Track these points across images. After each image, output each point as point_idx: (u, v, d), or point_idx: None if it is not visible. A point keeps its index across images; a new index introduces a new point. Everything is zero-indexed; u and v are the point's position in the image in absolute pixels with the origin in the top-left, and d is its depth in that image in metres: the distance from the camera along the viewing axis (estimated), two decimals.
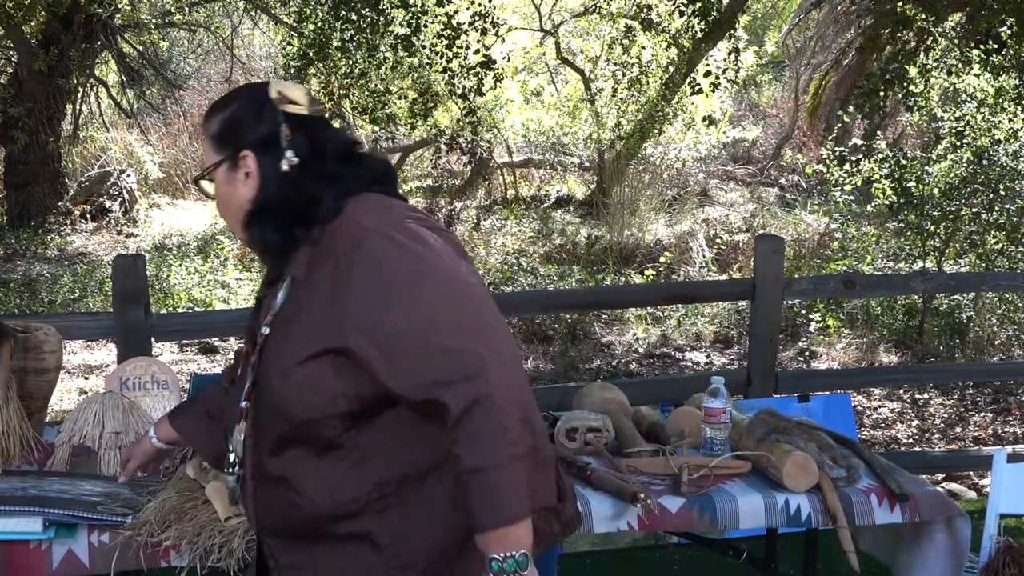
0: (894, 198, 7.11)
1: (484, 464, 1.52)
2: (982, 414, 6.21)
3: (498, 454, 1.52)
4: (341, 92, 9.01)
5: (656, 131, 11.62)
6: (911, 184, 7.05)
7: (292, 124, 1.71)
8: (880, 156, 7.21)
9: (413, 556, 1.66)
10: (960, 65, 7.16)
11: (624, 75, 11.50)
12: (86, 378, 6.84)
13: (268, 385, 1.69)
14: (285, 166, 1.68)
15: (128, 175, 11.92)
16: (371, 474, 1.65)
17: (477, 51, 8.38)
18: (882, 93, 6.48)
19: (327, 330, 1.61)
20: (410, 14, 7.97)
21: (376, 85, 9.30)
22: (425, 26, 8.31)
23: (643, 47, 11.36)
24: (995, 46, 7.24)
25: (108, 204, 11.52)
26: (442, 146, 12.76)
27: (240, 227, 1.76)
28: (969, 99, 7.22)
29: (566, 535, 1.86)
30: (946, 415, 6.22)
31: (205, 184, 1.78)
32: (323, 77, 8.87)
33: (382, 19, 8.05)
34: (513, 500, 1.53)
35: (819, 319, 7.58)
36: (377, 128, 10.08)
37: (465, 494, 1.55)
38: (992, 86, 7.05)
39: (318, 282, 1.64)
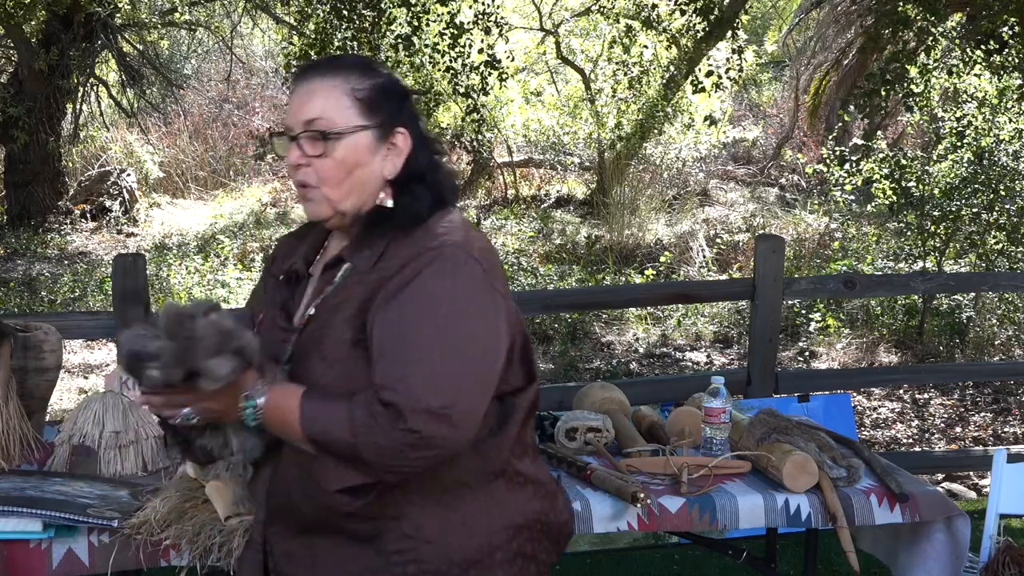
0: (894, 198, 7.11)
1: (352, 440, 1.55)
2: (982, 414, 6.21)
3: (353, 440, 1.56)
4: None
5: (656, 131, 11.62)
6: (911, 184, 7.05)
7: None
8: (880, 156, 7.21)
9: (424, 565, 1.65)
10: (961, 65, 7.15)
11: (624, 75, 11.50)
12: (86, 378, 6.84)
13: (308, 368, 1.67)
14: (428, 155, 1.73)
15: (128, 174, 11.93)
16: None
17: (481, 50, 8.38)
18: (883, 93, 6.47)
19: (371, 322, 1.61)
20: (411, 14, 7.97)
21: None
22: (427, 25, 8.30)
23: (644, 47, 11.36)
24: (996, 46, 7.24)
25: (108, 203, 11.52)
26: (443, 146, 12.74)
27: (354, 195, 1.69)
28: (969, 99, 7.22)
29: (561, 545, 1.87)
30: (946, 415, 6.22)
31: (309, 142, 1.66)
32: None
33: (383, 18, 8.04)
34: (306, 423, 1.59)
35: (819, 319, 7.58)
36: None
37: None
38: (996, 87, 7.05)
39: (379, 276, 1.63)
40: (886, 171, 7.12)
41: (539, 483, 1.81)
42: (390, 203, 1.70)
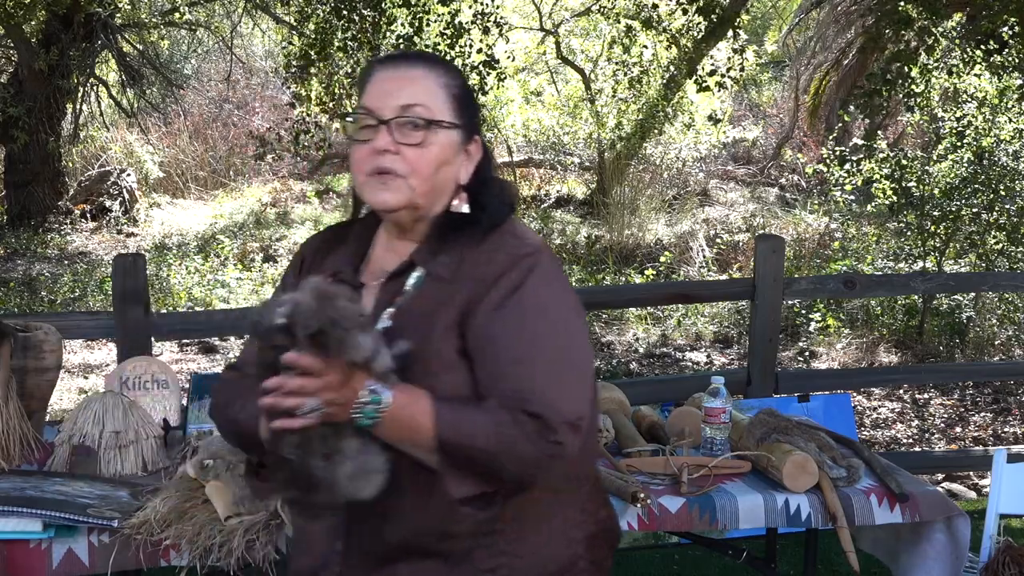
0: (894, 198, 7.11)
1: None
2: (982, 414, 6.21)
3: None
4: (343, 92, 9.00)
5: (657, 131, 11.61)
6: (911, 184, 7.05)
7: None
8: (881, 156, 7.21)
9: None
10: (961, 65, 7.16)
11: (625, 75, 11.50)
12: (86, 377, 6.84)
13: (405, 378, 1.55)
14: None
15: (128, 174, 11.93)
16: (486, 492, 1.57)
17: (480, 50, 8.37)
18: (885, 93, 6.47)
19: (469, 330, 1.56)
20: (412, 14, 7.97)
21: None
22: (427, 25, 8.30)
23: (644, 47, 11.36)
24: (996, 46, 7.24)
25: (108, 203, 11.52)
26: None
27: (434, 192, 1.62)
28: (969, 99, 7.22)
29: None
30: (946, 415, 6.22)
31: (403, 129, 1.57)
32: (324, 77, 8.87)
33: (384, 19, 8.05)
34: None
35: (819, 319, 7.58)
36: None
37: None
38: (996, 87, 7.05)
39: (474, 283, 1.57)
40: (887, 171, 7.13)
41: (602, 489, 1.80)
42: (465, 208, 1.64)
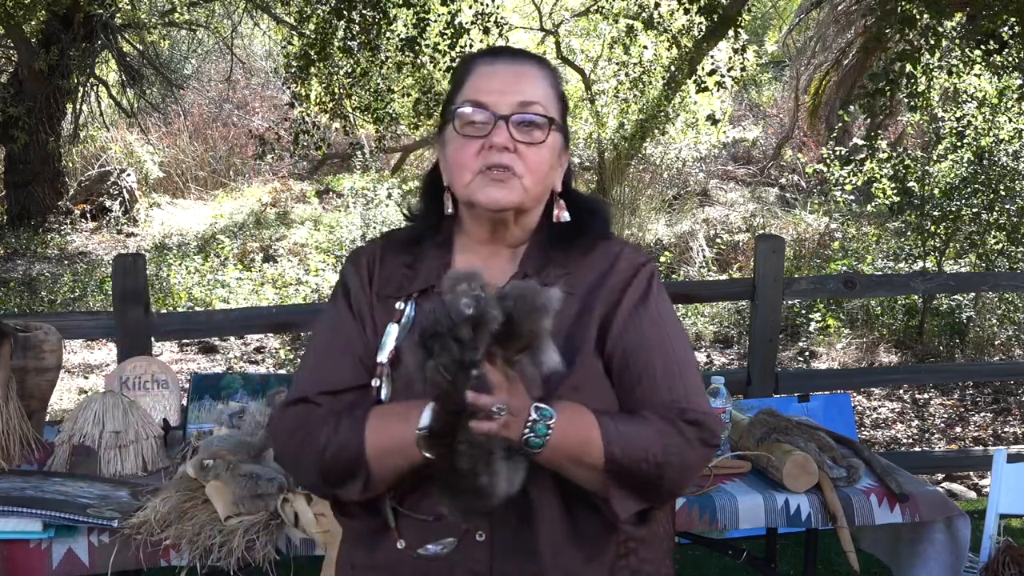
0: (895, 198, 7.11)
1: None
2: (982, 414, 6.21)
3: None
4: (343, 92, 9.01)
5: (658, 131, 11.61)
6: (912, 184, 7.06)
7: None
8: (883, 156, 7.21)
9: None
10: (961, 65, 7.16)
11: (626, 75, 11.50)
12: (86, 377, 6.84)
13: (556, 396, 1.45)
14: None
15: (128, 175, 11.93)
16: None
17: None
18: (888, 92, 6.47)
19: (609, 343, 1.51)
20: (412, 14, 7.97)
21: (378, 84, 9.30)
22: (428, 25, 8.30)
23: (644, 47, 11.36)
24: (996, 46, 7.24)
25: (108, 203, 11.53)
26: None
27: (541, 196, 1.55)
28: (969, 99, 7.22)
29: None
30: (946, 415, 6.22)
31: (523, 127, 1.49)
32: (325, 77, 8.87)
33: (384, 19, 8.04)
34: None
35: (819, 319, 7.58)
36: (380, 127, 10.08)
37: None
38: (996, 87, 7.05)
39: (607, 292, 1.52)
40: (888, 171, 7.13)
41: None
42: (565, 216, 1.57)
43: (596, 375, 1.49)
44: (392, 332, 1.52)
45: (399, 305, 1.54)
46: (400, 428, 1.41)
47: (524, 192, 1.49)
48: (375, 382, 1.50)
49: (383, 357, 1.51)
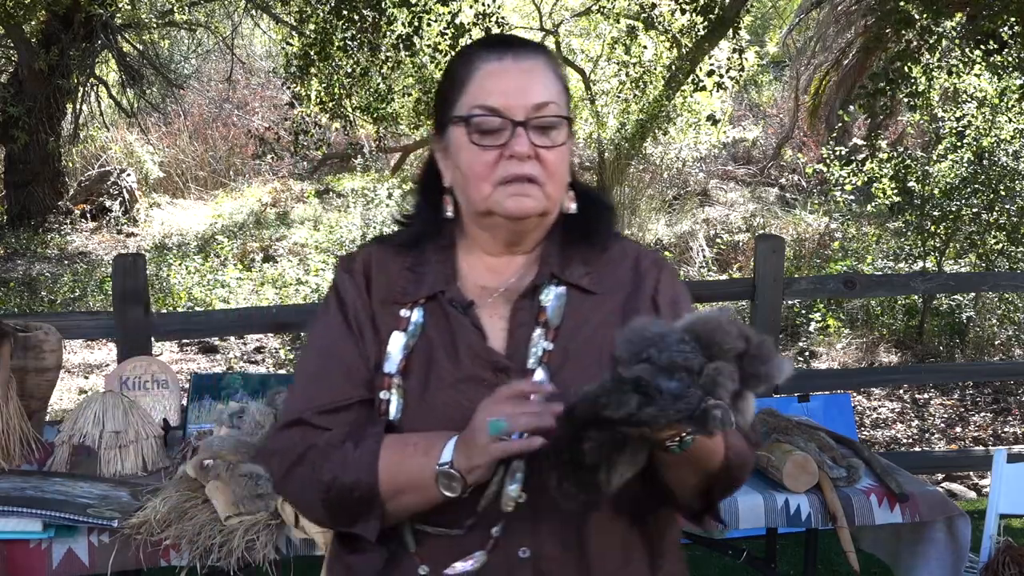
0: (895, 198, 7.11)
1: None
2: (982, 414, 6.21)
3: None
4: (343, 92, 9.01)
5: (659, 131, 11.62)
6: (912, 184, 7.06)
7: None
8: (884, 156, 7.21)
9: None
10: (961, 65, 7.16)
11: (627, 75, 11.50)
12: (86, 377, 6.84)
13: None
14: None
15: (128, 175, 11.93)
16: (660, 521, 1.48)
17: None
18: (888, 92, 6.48)
19: None
20: (412, 14, 7.97)
21: (378, 84, 9.30)
22: (428, 25, 8.30)
23: (644, 47, 11.36)
24: (996, 46, 7.24)
25: (108, 203, 11.53)
26: None
27: (560, 197, 1.45)
28: (969, 99, 7.22)
29: None
30: (946, 415, 6.22)
31: (540, 130, 1.39)
32: (325, 77, 8.88)
33: (384, 19, 8.04)
34: None
35: (819, 319, 7.58)
36: (380, 127, 10.09)
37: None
38: (996, 87, 7.05)
39: (640, 291, 1.46)
40: (888, 171, 7.13)
41: None
42: (573, 207, 1.47)
43: None
44: (398, 341, 1.41)
45: (404, 312, 1.43)
46: (418, 463, 1.31)
47: (547, 199, 1.41)
48: (383, 395, 1.39)
49: (391, 368, 1.40)
